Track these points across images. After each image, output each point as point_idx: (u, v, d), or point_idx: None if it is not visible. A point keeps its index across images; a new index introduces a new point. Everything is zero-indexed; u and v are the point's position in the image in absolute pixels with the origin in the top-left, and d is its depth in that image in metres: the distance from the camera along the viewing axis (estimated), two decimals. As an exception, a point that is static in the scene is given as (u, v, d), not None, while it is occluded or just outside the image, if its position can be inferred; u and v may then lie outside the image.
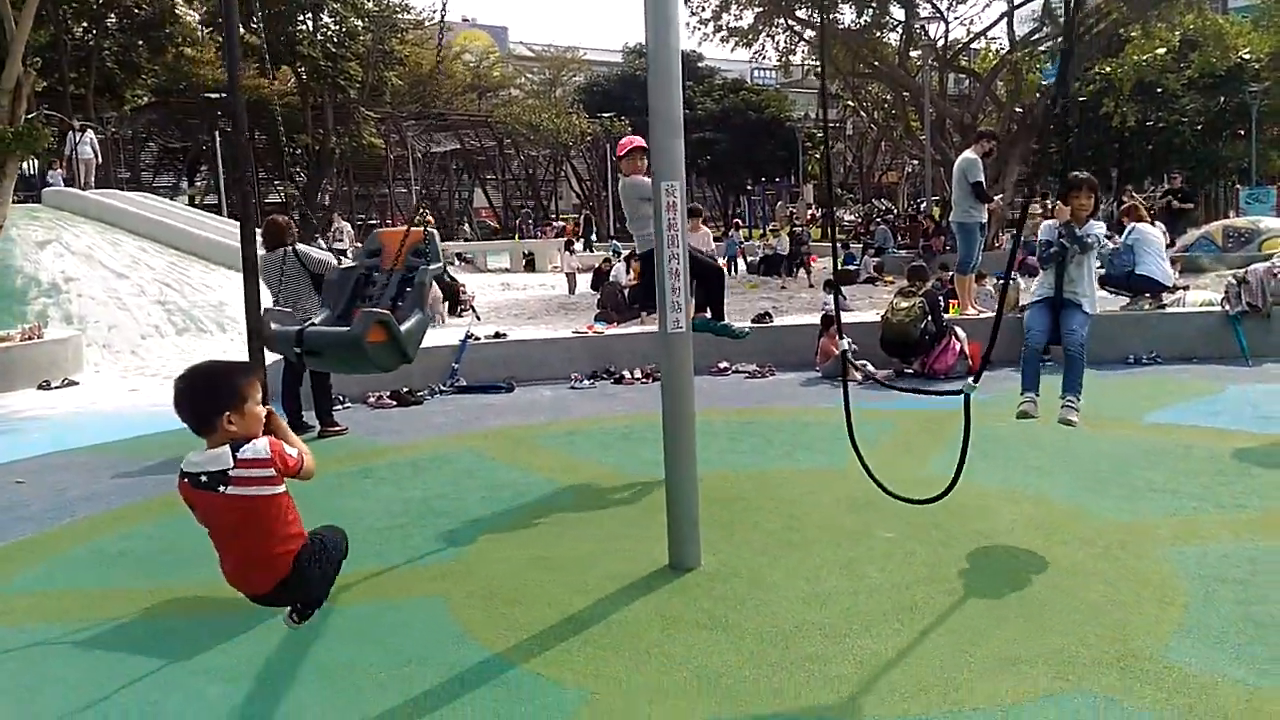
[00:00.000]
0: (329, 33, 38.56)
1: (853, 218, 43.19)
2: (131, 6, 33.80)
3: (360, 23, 39.19)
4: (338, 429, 7.90)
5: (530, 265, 31.75)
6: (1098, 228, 5.88)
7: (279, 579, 3.35)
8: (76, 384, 11.40)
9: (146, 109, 37.82)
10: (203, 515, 3.24)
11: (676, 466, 4.59)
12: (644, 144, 6.81)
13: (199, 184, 48.62)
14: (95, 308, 13.98)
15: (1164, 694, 3.28)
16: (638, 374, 10.03)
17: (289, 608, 3.64)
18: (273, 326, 5.79)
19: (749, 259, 26.76)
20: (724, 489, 5.89)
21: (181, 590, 4.66)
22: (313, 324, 5.59)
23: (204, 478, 3.10)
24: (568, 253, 21.51)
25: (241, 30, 36.54)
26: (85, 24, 33.72)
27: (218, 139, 35.46)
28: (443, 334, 9.44)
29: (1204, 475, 5.78)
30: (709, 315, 6.73)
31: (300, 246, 7.76)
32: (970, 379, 4.50)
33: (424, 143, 47.82)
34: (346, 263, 5.90)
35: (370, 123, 41.29)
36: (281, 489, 3.24)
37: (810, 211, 39.36)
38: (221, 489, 3.09)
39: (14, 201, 13.94)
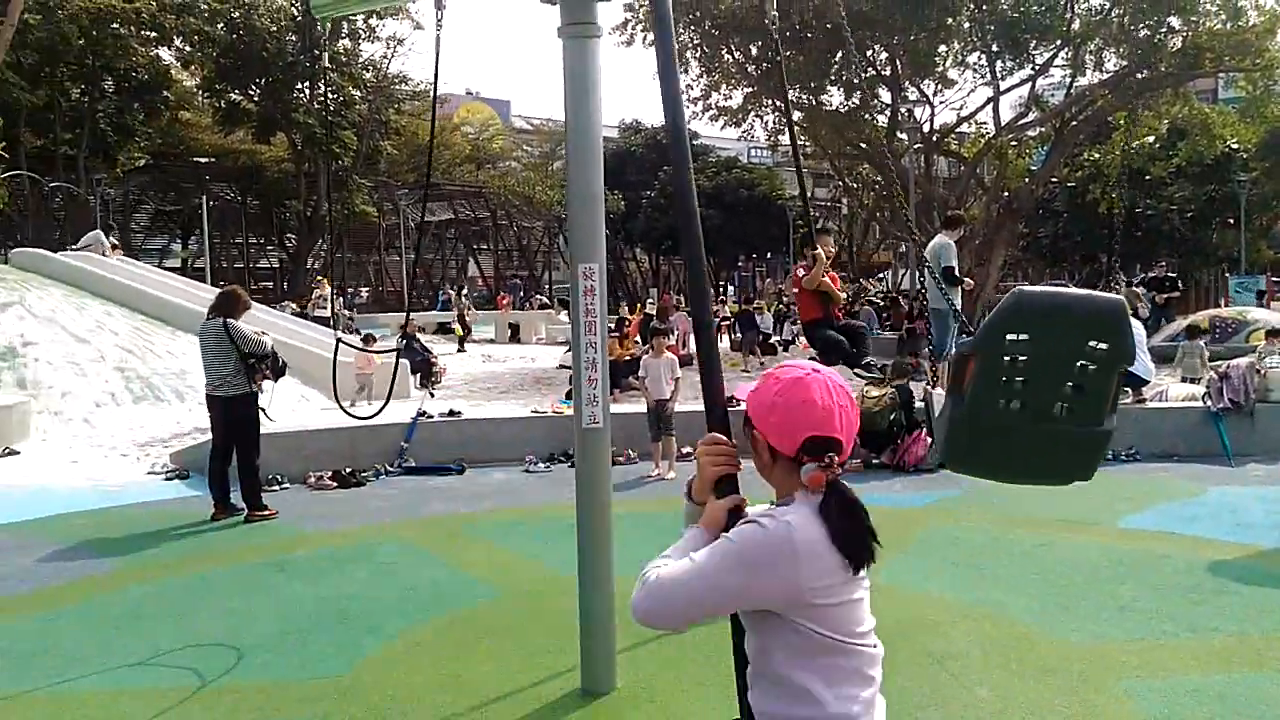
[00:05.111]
0: (325, 101, 38.84)
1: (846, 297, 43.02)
2: (128, 70, 33.94)
3: (357, 93, 39.49)
4: (265, 513, 7.44)
5: (515, 336, 31.45)
6: None
7: None
8: (17, 453, 10.90)
9: (139, 171, 37.80)
10: None
11: (589, 581, 4.15)
12: None
13: (192, 247, 48.57)
14: (51, 373, 13.51)
15: None
16: (597, 458, 9.57)
17: None
18: None
19: (733, 335, 26.37)
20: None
21: (48, 698, 4.18)
22: None
23: None
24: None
25: (238, 96, 37.30)
26: (82, 86, 33.82)
27: (205, 202, 35.40)
28: (394, 411, 8.98)
29: (1176, 591, 5.34)
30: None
31: (232, 322, 7.44)
32: None
33: (419, 211, 47.96)
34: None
35: (364, 190, 41.29)
36: None
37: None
38: None
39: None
